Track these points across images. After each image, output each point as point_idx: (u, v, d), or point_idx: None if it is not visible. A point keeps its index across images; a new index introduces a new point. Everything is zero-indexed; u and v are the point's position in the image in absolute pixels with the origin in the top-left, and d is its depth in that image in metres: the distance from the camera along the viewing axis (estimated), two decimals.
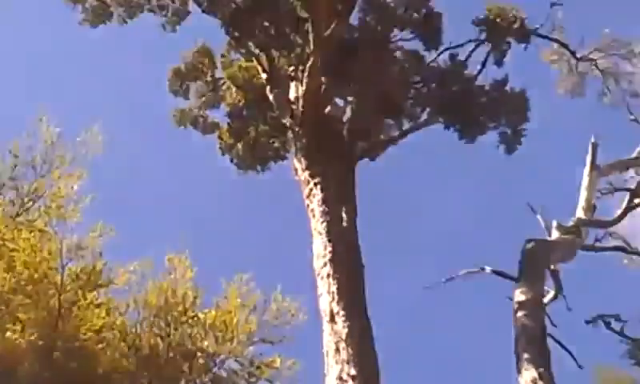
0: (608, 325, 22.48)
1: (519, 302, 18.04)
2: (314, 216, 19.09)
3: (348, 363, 16.11)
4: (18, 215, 21.85)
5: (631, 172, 23.65)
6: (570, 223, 21.67)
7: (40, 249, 20.37)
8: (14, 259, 20.65)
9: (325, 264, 17.88)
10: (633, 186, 22.90)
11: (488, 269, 20.47)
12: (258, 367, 23.49)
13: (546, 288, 20.28)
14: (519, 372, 16.40)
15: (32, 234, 20.83)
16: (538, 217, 21.96)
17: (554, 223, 21.53)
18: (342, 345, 16.40)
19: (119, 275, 22.83)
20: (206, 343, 23.15)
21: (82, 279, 21.54)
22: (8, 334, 19.94)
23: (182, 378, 22.65)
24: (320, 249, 18.26)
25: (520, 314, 17.79)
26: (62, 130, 22.73)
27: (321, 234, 18.46)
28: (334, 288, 17.38)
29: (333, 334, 16.67)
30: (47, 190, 22.03)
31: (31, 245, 20.24)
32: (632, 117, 23.71)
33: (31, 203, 22.06)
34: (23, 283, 20.68)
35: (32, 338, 20.31)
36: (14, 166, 22.84)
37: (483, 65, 22.20)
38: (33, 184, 22.38)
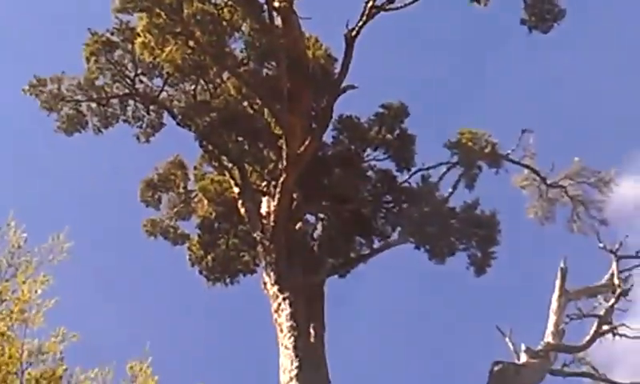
0: None
1: None
2: (281, 331, 18.92)
3: None
4: None
5: (600, 298, 23.75)
6: (539, 347, 21.65)
7: (0, 353, 19.97)
8: None
9: (291, 379, 17.74)
10: (601, 313, 22.92)
11: None
12: None
13: None
14: None
15: None
16: (507, 339, 21.98)
17: (523, 346, 21.52)
18: None
19: (80, 381, 22.29)
20: None
21: None
22: None
23: None
24: (287, 363, 18.07)
25: None
26: (28, 235, 22.46)
27: (288, 348, 18.29)
28: None
29: None
30: (11, 294, 21.71)
31: None
32: (601, 245, 23.87)
33: None
34: None
35: None
36: None
37: (454, 188, 22.38)
38: None
